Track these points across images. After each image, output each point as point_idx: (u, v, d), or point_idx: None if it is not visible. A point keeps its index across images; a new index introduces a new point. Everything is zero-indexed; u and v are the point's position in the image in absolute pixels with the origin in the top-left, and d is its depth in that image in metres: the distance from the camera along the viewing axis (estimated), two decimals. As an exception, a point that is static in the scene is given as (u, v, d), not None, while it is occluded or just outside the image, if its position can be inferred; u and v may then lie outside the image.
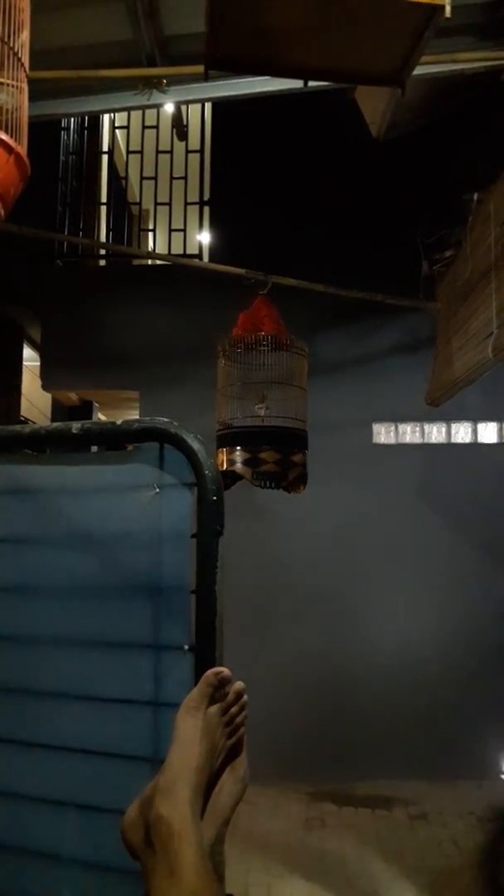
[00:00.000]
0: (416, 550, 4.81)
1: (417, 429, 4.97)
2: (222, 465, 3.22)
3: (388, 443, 4.98)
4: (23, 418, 5.77)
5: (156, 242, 6.19)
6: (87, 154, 5.51)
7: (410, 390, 4.68)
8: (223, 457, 3.26)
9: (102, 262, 5.58)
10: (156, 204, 5.41)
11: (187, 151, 5.22)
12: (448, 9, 1.67)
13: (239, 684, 0.79)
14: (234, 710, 0.78)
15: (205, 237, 5.43)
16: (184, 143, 5.11)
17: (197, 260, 5.14)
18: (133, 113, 5.24)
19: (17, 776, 0.92)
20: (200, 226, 5.34)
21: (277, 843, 3.76)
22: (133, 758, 0.86)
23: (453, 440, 4.97)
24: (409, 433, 4.97)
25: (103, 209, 5.63)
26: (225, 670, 0.78)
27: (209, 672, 0.77)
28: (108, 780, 0.87)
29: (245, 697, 0.79)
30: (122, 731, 0.87)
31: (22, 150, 1.49)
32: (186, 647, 0.83)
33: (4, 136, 1.43)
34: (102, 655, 0.90)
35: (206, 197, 5.30)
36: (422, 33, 1.75)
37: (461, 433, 4.97)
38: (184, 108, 4.77)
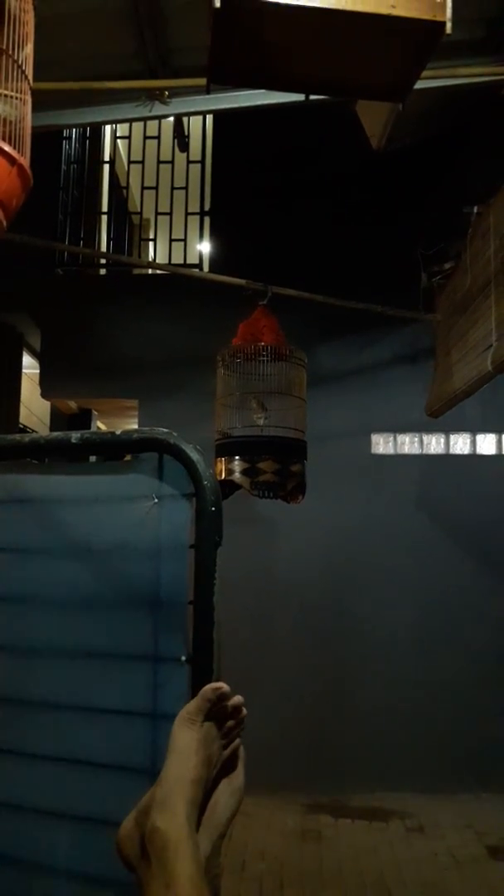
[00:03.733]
0: (415, 561, 4.81)
1: (416, 439, 4.98)
2: (221, 475, 3.22)
3: (386, 453, 4.98)
4: (21, 426, 5.78)
5: (156, 252, 6.21)
6: (89, 163, 5.54)
7: (409, 401, 4.69)
8: (222, 466, 3.26)
9: (103, 272, 5.59)
10: (156, 214, 5.43)
11: (188, 161, 5.24)
12: (449, 25, 1.68)
13: (238, 698, 0.78)
14: (230, 723, 0.78)
15: (205, 247, 5.45)
16: (185, 154, 5.14)
17: (197, 270, 5.16)
18: (135, 123, 5.27)
19: (13, 786, 0.92)
20: (201, 236, 5.36)
21: (273, 855, 3.73)
22: (130, 769, 0.85)
23: (452, 451, 4.97)
24: (408, 444, 4.98)
25: (104, 219, 5.65)
26: (224, 686, 0.77)
27: (207, 687, 0.77)
28: (104, 792, 0.87)
29: (244, 711, 0.79)
30: (118, 742, 0.87)
31: (25, 161, 1.50)
32: (184, 658, 0.83)
33: (7, 148, 1.44)
34: (100, 666, 0.90)
35: (207, 207, 5.33)
36: (423, 49, 1.76)
37: (460, 444, 4.97)
38: (185, 118, 4.79)
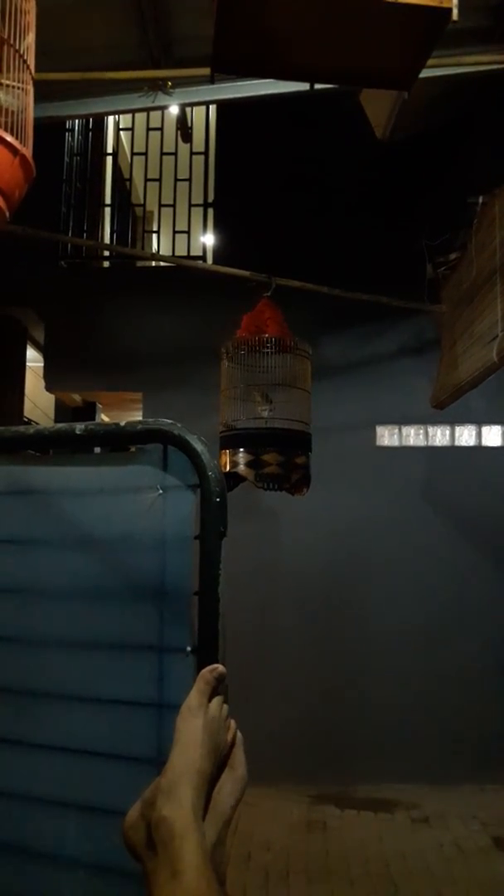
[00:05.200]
0: (420, 553, 4.81)
1: (421, 432, 4.96)
2: (225, 467, 3.23)
3: (391, 445, 4.97)
4: (26, 419, 5.78)
5: (160, 244, 6.20)
6: (92, 155, 5.52)
7: (414, 393, 4.67)
8: (226, 459, 3.26)
9: (106, 264, 5.58)
10: (160, 206, 5.42)
11: (192, 153, 5.22)
12: (455, 12, 1.67)
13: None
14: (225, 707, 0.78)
15: (209, 239, 5.44)
16: (188, 145, 5.12)
17: (201, 262, 5.14)
18: (138, 115, 5.25)
19: (20, 777, 0.92)
20: (204, 228, 5.34)
21: (279, 845, 3.75)
22: (135, 759, 0.86)
23: (457, 443, 4.96)
24: (413, 436, 4.97)
25: (107, 211, 5.64)
26: (220, 667, 0.78)
27: (204, 671, 0.77)
28: (110, 782, 0.87)
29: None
30: (124, 732, 0.87)
31: (27, 151, 1.49)
32: (189, 648, 0.83)
33: (10, 138, 1.43)
34: (105, 657, 0.90)
35: (211, 199, 5.31)
36: (429, 36, 1.75)
37: (465, 436, 4.96)
38: (188, 109, 4.77)
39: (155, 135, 5.33)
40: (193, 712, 0.74)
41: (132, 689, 0.87)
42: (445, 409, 4.35)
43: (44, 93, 2.16)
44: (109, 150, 5.73)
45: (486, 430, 4.96)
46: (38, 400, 6.07)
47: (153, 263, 5.53)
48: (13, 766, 0.93)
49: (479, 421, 4.93)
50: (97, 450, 1.01)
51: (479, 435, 4.96)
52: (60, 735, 0.90)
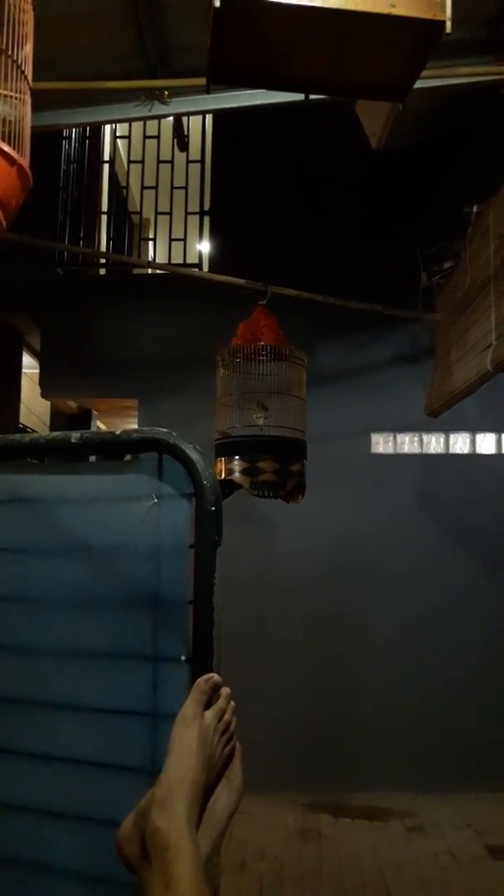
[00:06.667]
0: (415, 560, 4.81)
1: (416, 439, 4.97)
2: (220, 475, 3.23)
3: (386, 453, 4.98)
4: (21, 426, 5.78)
5: (156, 252, 6.21)
6: (89, 163, 5.53)
7: (409, 401, 4.68)
8: (221, 466, 3.26)
9: (103, 271, 5.59)
10: (156, 213, 5.43)
11: (188, 161, 5.24)
12: (449, 24, 1.68)
13: (225, 689, 0.79)
14: (227, 716, 0.78)
15: (205, 247, 5.45)
16: (184, 153, 5.14)
17: (197, 269, 5.15)
18: (134, 123, 5.26)
19: (14, 786, 0.92)
20: (200, 235, 5.36)
21: (273, 854, 3.73)
22: (130, 769, 0.85)
23: (452, 451, 4.97)
24: (408, 443, 4.98)
25: (104, 218, 5.65)
26: (216, 676, 0.78)
27: (200, 680, 0.77)
28: (104, 792, 0.87)
29: (233, 703, 0.79)
30: (118, 742, 0.87)
31: (24, 161, 1.50)
32: (184, 658, 0.83)
33: (7, 149, 1.44)
34: (100, 666, 0.90)
35: (207, 207, 5.32)
36: (423, 48, 1.76)
37: (459, 444, 4.97)
38: (185, 118, 4.79)
39: (151, 143, 5.35)
40: (188, 722, 0.74)
41: (127, 699, 0.87)
42: (440, 416, 4.36)
43: (41, 102, 2.17)
44: (106, 157, 5.74)
45: (480, 437, 4.98)
46: (33, 406, 6.07)
47: (149, 271, 5.54)
48: (6, 775, 0.93)
49: (473, 428, 4.95)
50: (92, 458, 1.01)
51: (473, 442, 4.98)
52: (54, 744, 0.90)
